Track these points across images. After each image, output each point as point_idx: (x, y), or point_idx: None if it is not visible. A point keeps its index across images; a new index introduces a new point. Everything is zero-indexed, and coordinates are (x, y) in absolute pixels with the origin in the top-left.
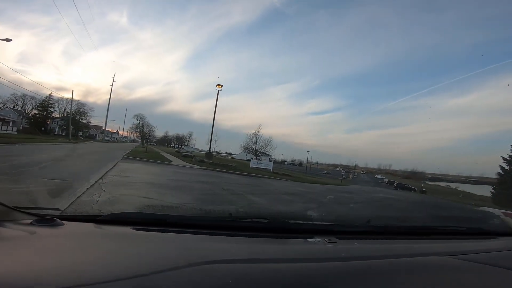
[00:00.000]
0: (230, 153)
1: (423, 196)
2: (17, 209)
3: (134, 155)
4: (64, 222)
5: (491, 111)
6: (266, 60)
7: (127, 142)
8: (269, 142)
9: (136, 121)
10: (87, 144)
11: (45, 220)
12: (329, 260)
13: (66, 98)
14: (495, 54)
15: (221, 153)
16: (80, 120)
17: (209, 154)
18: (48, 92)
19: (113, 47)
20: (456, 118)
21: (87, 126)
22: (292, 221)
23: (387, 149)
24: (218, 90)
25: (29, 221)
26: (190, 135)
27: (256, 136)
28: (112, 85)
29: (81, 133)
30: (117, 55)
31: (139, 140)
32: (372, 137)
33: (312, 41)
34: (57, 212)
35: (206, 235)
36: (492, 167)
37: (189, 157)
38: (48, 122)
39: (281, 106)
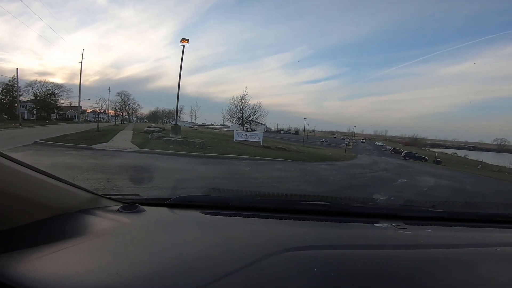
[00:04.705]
0: (226, 125)
1: (464, 173)
2: (104, 196)
3: (58, 140)
4: (144, 207)
5: (487, 79)
6: (259, 31)
7: (115, 122)
8: (258, 109)
9: (119, 99)
10: (37, 128)
11: (129, 207)
12: (407, 247)
13: (40, 81)
14: (492, 24)
15: (216, 125)
16: (51, 101)
17: (176, 127)
18: (31, 78)
19: (94, 27)
20: (452, 85)
21: (59, 107)
22: (355, 205)
23: (382, 115)
24: (184, 46)
25: (116, 207)
26: (181, 109)
27: (242, 102)
28: (81, 62)
29: (54, 115)
30: (100, 36)
31: (128, 118)
32: (367, 104)
33: (307, 9)
34: (137, 198)
35: (271, 218)
36: (488, 134)
37: (147, 134)
38: (16, 106)
39: (276, 76)
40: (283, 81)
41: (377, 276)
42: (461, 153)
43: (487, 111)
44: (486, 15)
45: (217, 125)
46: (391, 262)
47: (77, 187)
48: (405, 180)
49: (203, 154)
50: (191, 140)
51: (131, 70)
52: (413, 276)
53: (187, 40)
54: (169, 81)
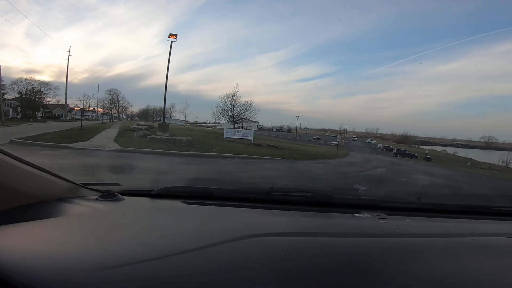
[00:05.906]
0: (218, 123)
1: (455, 170)
2: (83, 185)
3: (36, 139)
4: (124, 197)
5: (477, 77)
6: (252, 28)
7: (102, 120)
8: (249, 106)
9: (108, 97)
10: (20, 126)
11: (108, 195)
12: (380, 236)
13: (26, 79)
14: (482, 24)
15: (208, 123)
16: (37, 99)
17: (163, 125)
18: (18, 76)
19: (83, 25)
20: (442, 84)
21: (45, 106)
22: (338, 196)
23: (373, 113)
24: (172, 41)
25: (95, 197)
26: (172, 107)
27: (233, 99)
28: (68, 60)
29: (40, 113)
30: (89, 33)
31: (117, 116)
32: (359, 102)
33: (300, 7)
34: (117, 188)
35: (251, 208)
36: (476, 132)
37: (132, 132)
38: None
39: (269, 74)
40: (276, 79)
41: (344, 262)
42: (450, 150)
43: (475, 109)
44: (477, 14)
45: (209, 123)
46: (367, 249)
47: (56, 176)
48: (403, 180)
49: (188, 152)
50: (177, 138)
51: (122, 68)
52: (382, 263)
53: (175, 35)
54: (160, 78)
